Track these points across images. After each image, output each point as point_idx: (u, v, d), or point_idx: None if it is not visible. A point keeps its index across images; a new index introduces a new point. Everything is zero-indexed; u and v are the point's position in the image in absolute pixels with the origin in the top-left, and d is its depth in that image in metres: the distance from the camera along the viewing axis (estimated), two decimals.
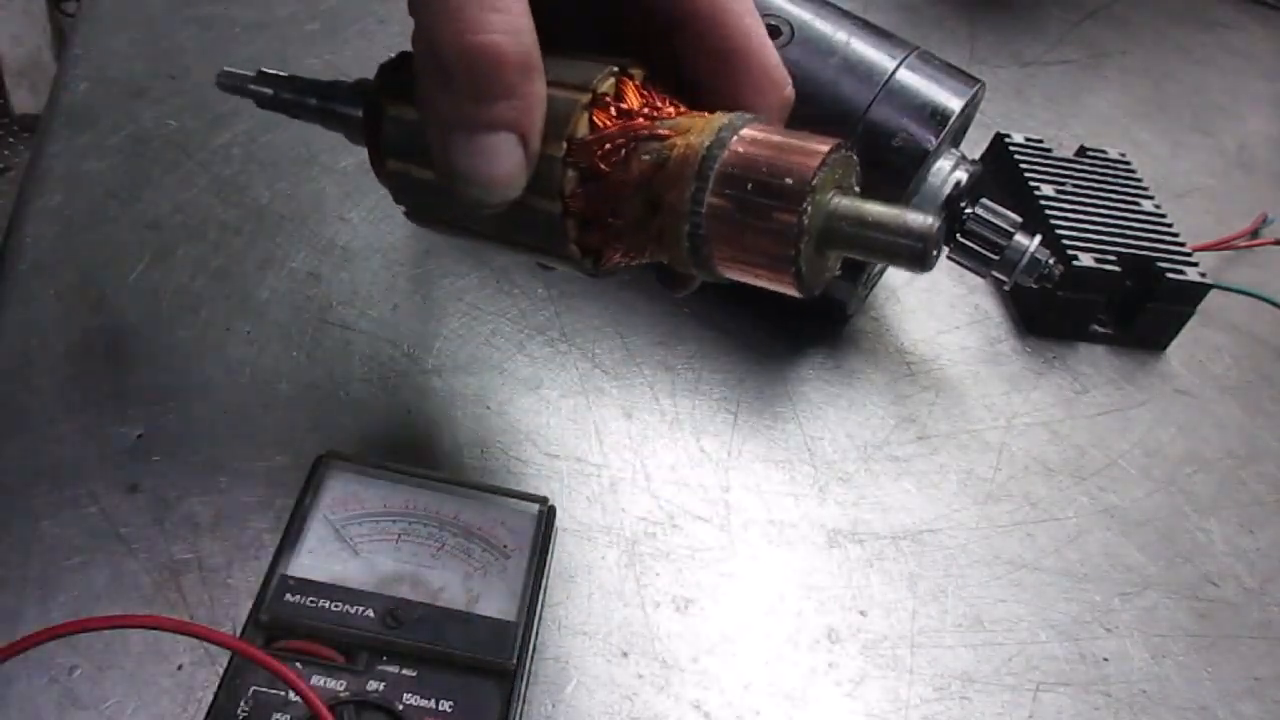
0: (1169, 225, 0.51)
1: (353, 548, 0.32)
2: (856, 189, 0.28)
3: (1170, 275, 0.48)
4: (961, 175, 0.42)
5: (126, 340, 0.38)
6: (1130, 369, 0.49)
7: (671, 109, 0.29)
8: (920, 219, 0.26)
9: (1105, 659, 0.37)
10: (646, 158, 0.28)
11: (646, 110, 0.29)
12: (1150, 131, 0.68)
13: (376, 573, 0.31)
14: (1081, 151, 0.57)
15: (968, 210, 0.43)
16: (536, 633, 0.32)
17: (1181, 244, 0.50)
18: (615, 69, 0.29)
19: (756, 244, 0.27)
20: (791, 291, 0.27)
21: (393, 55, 0.31)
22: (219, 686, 0.28)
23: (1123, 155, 0.56)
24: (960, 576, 0.38)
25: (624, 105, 0.29)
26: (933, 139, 0.40)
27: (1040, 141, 0.55)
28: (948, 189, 0.42)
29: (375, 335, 0.41)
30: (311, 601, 0.30)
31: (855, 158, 0.28)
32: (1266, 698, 0.37)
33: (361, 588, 0.31)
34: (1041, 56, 0.73)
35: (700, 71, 0.31)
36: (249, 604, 0.30)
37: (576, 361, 0.42)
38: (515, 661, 0.30)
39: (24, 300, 0.39)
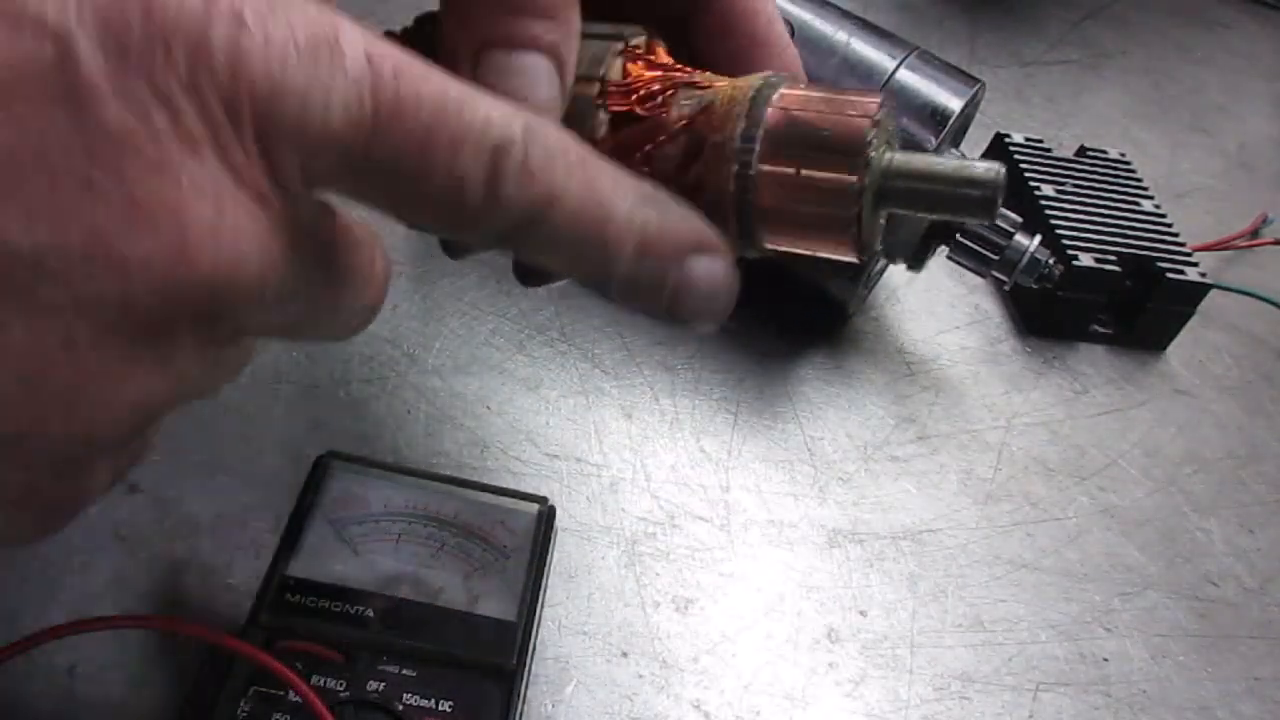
0: (1169, 225, 0.51)
1: (353, 548, 0.32)
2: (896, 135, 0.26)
3: (1170, 275, 0.48)
4: None
5: None
6: (1130, 369, 0.49)
7: (700, 68, 0.27)
8: (986, 167, 0.24)
9: (1105, 659, 0.37)
10: (687, 103, 0.26)
11: (679, 66, 0.27)
12: (1150, 131, 0.68)
13: (376, 573, 0.31)
14: (1081, 151, 0.57)
15: None
16: (536, 633, 0.32)
17: (1181, 244, 0.50)
18: (642, 31, 0.27)
19: (813, 190, 0.24)
20: (847, 255, 0.25)
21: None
22: (219, 686, 0.28)
23: (1123, 155, 0.56)
24: (960, 576, 0.38)
25: (655, 59, 0.27)
26: (933, 139, 0.40)
27: (1040, 141, 0.55)
28: None
29: (375, 335, 0.41)
30: (311, 601, 0.30)
31: (894, 115, 0.26)
32: (1266, 698, 0.37)
33: (361, 588, 0.31)
34: (1041, 56, 0.73)
35: (718, 58, 0.30)
36: (249, 604, 0.30)
37: (576, 361, 0.42)
38: (515, 661, 0.30)
39: None
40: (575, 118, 0.26)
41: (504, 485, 0.35)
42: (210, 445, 0.36)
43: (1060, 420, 0.46)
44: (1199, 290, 0.49)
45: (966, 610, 0.37)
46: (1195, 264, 0.49)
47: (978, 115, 0.46)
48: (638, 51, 0.27)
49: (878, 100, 0.24)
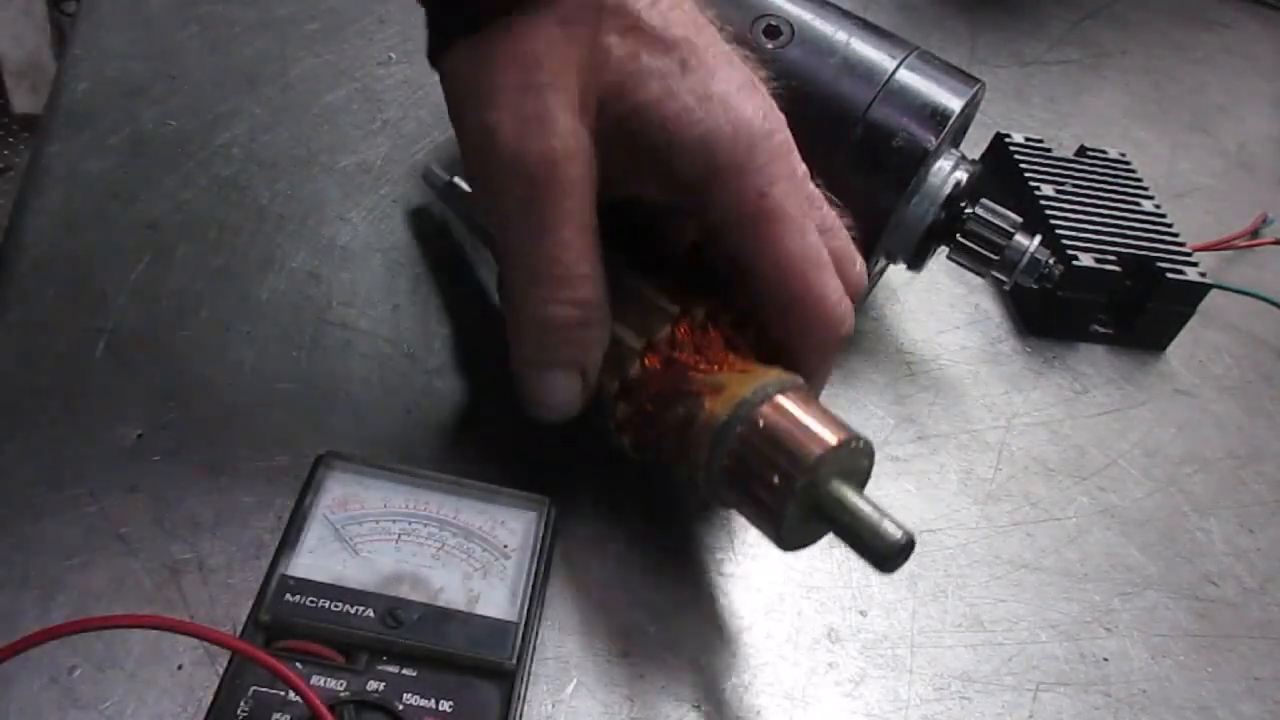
0: (1169, 225, 0.51)
1: (353, 548, 0.32)
2: (870, 468, 0.32)
3: (1170, 275, 0.48)
4: (962, 175, 0.42)
5: (126, 340, 0.38)
6: (1130, 369, 0.49)
7: (722, 355, 0.34)
8: (894, 530, 0.29)
9: (1105, 659, 0.37)
10: (681, 410, 0.33)
11: (694, 360, 0.34)
12: (1150, 131, 0.68)
13: (376, 573, 0.31)
14: (1081, 151, 0.57)
15: (968, 210, 0.43)
16: (537, 633, 0.32)
17: (1181, 244, 0.50)
18: (676, 311, 0.34)
19: (753, 505, 0.32)
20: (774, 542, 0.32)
21: None
22: (219, 686, 0.28)
23: (1123, 155, 0.56)
24: (960, 576, 0.38)
25: (674, 354, 0.34)
26: (933, 139, 0.40)
27: (1040, 141, 0.55)
28: (948, 189, 0.42)
29: (375, 335, 0.41)
30: (311, 601, 0.30)
31: (870, 450, 0.32)
32: (1266, 698, 0.37)
33: (361, 588, 0.31)
34: (1041, 56, 0.73)
35: (765, 316, 0.35)
36: (249, 604, 0.30)
37: None
38: (515, 661, 0.30)
39: (24, 300, 0.39)
40: (601, 403, 0.35)
41: (504, 485, 0.35)
42: (210, 445, 0.36)
43: (1060, 420, 0.46)
44: (1199, 290, 0.49)
45: (966, 610, 0.37)
46: (1195, 264, 0.49)
47: (978, 115, 0.46)
48: (661, 344, 0.34)
49: (831, 444, 0.30)
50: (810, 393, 0.33)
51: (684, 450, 0.33)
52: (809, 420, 0.31)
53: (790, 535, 0.32)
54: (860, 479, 0.33)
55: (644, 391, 0.34)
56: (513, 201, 0.32)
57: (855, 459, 0.32)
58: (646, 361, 0.34)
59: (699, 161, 0.33)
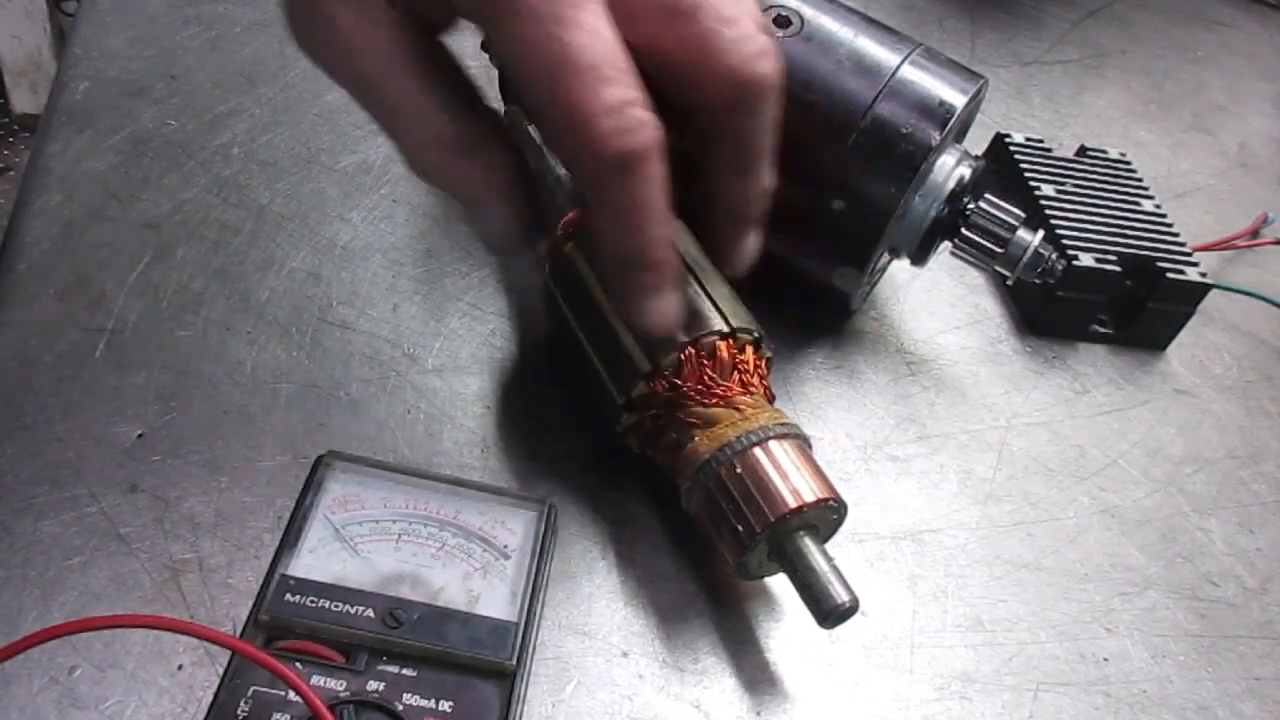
0: (1169, 225, 0.51)
1: (353, 548, 0.32)
2: (841, 522, 0.35)
3: (1170, 275, 0.48)
4: (965, 171, 0.42)
5: (126, 340, 0.38)
6: (1130, 369, 0.49)
7: (727, 386, 0.35)
8: (841, 593, 0.31)
9: (1105, 659, 0.37)
10: (674, 435, 0.35)
11: (696, 391, 0.35)
12: (1150, 131, 0.68)
13: (376, 573, 0.31)
14: (1081, 151, 0.57)
15: (971, 205, 0.43)
16: (537, 633, 0.32)
17: (1181, 244, 0.50)
18: (686, 340, 0.35)
19: (720, 537, 0.34)
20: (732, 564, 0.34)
21: None
22: (219, 686, 0.28)
23: (1123, 155, 0.56)
24: (960, 576, 0.38)
25: (678, 381, 0.35)
26: (937, 134, 0.40)
27: (1040, 141, 0.55)
28: (951, 184, 0.42)
29: (375, 335, 0.41)
30: (311, 601, 0.30)
31: (841, 507, 0.34)
32: (1266, 698, 0.37)
33: (361, 588, 0.31)
34: (1041, 56, 0.73)
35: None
36: (249, 604, 0.30)
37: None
38: (515, 661, 0.30)
39: (24, 300, 0.39)
40: (610, 416, 0.37)
41: (504, 485, 0.35)
42: (210, 445, 0.36)
43: (1060, 420, 0.46)
44: (1199, 290, 0.49)
45: (966, 610, 0.37)
46: (1195, 264, 0.49)
47: (978, 115, 0.46)
48: (665, 371, 0.35)
49: (798, 505, 0.32)
50: (801, 442, 0.35)
51: (673, 468, 0.35)
52: (785, 475, 0.33)
53: (750, 568, 0.34)
54: (828, 531, 0.35)
55: (645, 409, 0.36)
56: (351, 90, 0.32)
57: (824, 514, 0.33)
58: (649, 385, 0.35)
59: None
